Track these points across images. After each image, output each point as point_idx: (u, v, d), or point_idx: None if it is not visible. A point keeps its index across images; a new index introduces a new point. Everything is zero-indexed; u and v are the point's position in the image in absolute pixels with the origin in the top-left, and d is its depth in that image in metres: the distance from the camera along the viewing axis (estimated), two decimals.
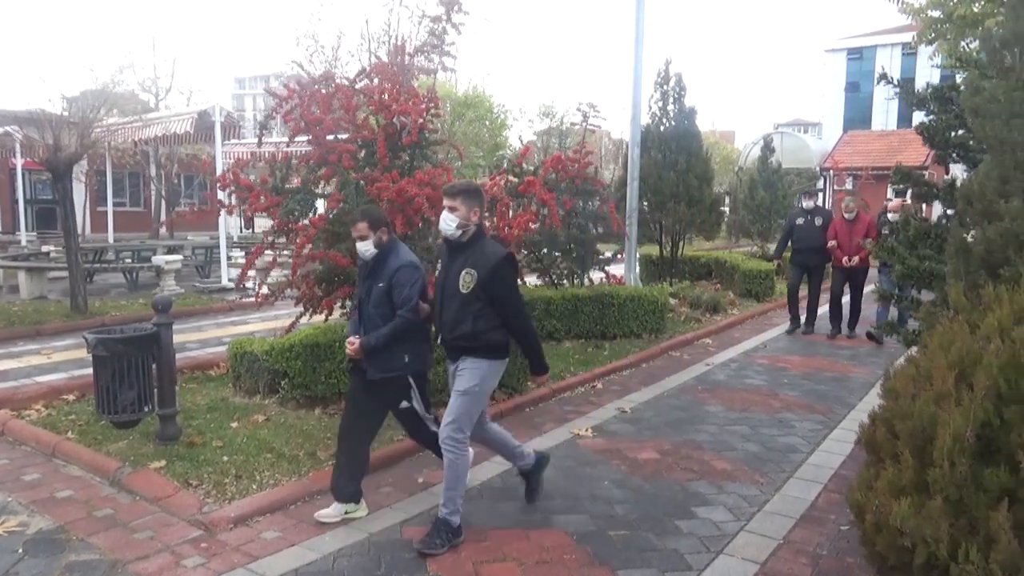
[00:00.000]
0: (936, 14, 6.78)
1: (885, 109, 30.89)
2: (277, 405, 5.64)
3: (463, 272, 3.62)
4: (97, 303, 10.37)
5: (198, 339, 8.67)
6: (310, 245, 5.71)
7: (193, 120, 12.70)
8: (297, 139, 6.09)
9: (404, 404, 3.94)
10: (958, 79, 5.32)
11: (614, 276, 9.26)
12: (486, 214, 4.84)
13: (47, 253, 14.60)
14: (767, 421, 5.78)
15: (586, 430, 5.46)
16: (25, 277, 11.30)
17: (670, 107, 12.29)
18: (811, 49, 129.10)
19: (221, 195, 6.12)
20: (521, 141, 15.36)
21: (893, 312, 8.39)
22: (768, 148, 17.34)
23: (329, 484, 3.94)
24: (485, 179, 8.61)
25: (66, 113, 10.18)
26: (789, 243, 9.82)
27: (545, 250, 8.78)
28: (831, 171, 25.56)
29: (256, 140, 6.91)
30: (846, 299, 9.34)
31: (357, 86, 6.07)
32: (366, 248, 3.84)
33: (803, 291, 9.72)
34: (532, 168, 8.01)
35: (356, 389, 3.96)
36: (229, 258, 12.81)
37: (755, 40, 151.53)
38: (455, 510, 3.63)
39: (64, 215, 9.36)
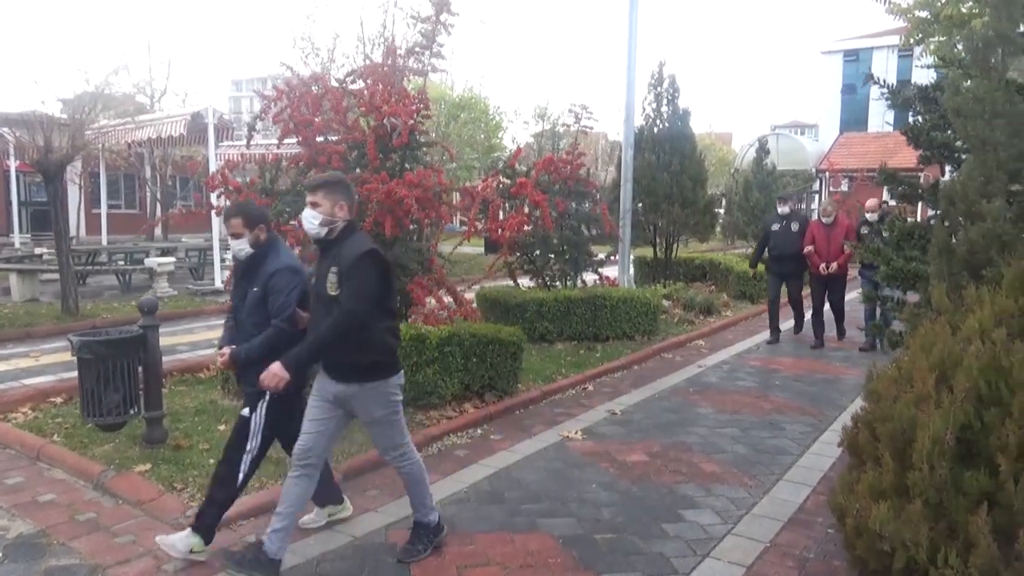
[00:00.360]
0: (924, 15, 6.77)
1: (881, 111, 30.85)
2: None
3: (329, 273, 3.20)
4: (89, 305, 10.35)
5: (189, 341, 8.65)
6: (300, 247, 5.68)
7: (186, 122, 12.67)
8: (287, 141, 6.08)
9: (245, 412, 3.48)
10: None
11: (607, 278, 9.25)
12: (358, 205, 4.21)
13: (40, 255, 14.55)
14: (757, 423, 5.76)
15: (576, 432, 5.44)
16: (17, 279, 11.26)
17: (664, 109, 12.32)
18: (808, 51, 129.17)
19: (212, 197, 6.10)
20: (515, 143, 15.34)
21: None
22: (763, 150, 17.36)
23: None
24: (479, 181, 8.60)
25: (60, 115, 10.16)
26: (766, 251, 9.25)
27: (538, 252, 8.77)
28: (827, 173, 25.59)
29: (246, 142, 6.88)
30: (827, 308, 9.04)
31: (349, 88, 6.05)
32: (240, 247, 3.52)
33: (784, 299, 9.25)
34: (525, 169, 8.00)
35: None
36: (222, 260, 12.77)
37: (753, 42, 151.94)
38: (429, 509, 3.58)
39: (55, 217, 9.33)
